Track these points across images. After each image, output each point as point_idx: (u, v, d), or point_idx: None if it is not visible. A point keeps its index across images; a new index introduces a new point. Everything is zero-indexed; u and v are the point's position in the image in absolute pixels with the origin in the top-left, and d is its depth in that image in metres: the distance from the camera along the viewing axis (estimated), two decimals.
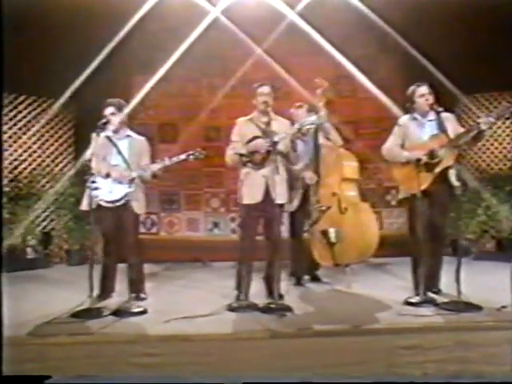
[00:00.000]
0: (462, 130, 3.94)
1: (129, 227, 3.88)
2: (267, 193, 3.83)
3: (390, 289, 4.25)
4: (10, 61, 5.78)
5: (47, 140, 6.47)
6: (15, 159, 6.22)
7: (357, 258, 4.05)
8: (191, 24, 6.42)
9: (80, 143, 6.14)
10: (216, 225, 6.97)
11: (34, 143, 6.36)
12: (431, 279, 4.01)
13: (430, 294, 3.88)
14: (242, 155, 3.80)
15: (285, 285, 4.43)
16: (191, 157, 3.86)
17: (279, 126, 3.92)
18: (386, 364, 3.02)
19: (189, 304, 3.80)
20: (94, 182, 3.71)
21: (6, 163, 6.09)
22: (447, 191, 3.92)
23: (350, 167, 4.16)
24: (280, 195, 3.87)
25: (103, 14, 6.05)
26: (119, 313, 3.47)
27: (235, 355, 2.97)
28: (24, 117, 6.33)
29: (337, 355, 3.02)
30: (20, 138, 6.28)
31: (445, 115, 3.97)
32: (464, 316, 3.31)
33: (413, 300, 3.68)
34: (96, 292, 3.90)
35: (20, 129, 6.29)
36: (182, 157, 3.87)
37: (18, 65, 5.85)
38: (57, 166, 6.49)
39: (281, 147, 3.85)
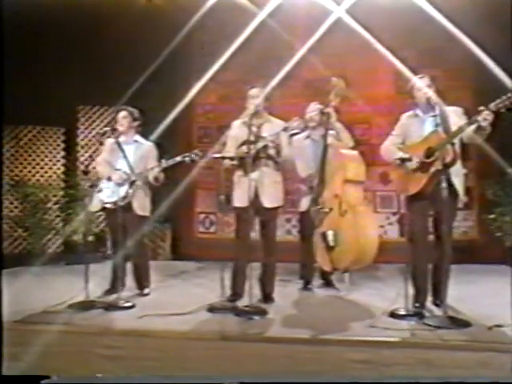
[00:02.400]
0: None
1: (131, 228, 4.16)
2: (257, 196, 3.85)
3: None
4: (82, 76, 6.56)
5: None
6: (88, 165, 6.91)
7: (352, 264, 3.84)
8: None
9: None
10: None
11: None
12: (433, 290, 3.70)
13: (432, 306, 3.61)
14: (224, 158, 3.86)
15: (293, 288, 4.44)
16: (187, 159, 4.00)
17: (273, 128, 3.91)
18: (337, 377, 2.89)
19: (182, 302, 3.93)
20: (97, 185, 4.08)
21: (82, 168, 6.82)
22: (451, 193, 3.59)
23: (354, 169, 3.95)
24: (269, 199, 3.88)
25: (161, 24, 6.48)
26: (109, 307, 3.75)
27: (185, 354, 3.07)
28: (98, 125, 7.03)
29: (287, 363, 2.96)
30: (94, 144, 6.97)
31: (451, 109, 3.66)
32: (437, 333, 3.02)
33: (398, 311, 3.44)
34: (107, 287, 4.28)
35: (94, 136, 6.99)
36: (178, 159, 4.04)
37: (90, 79, 6.59)
38: None
39: (270, 151, 3.85)
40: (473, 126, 3.40)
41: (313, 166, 4.27)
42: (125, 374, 3.09)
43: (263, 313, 3.53)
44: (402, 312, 3.41)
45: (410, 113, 3.83)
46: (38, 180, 6.70)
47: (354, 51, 6.62)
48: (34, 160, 6.83)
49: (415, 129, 3.73)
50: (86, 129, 6.98)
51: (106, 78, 6.51)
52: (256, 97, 3.92)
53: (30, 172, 6.78)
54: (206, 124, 7.30)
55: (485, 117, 3.27)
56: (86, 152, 6.90)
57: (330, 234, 3.90)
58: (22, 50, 6.37)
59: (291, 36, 6.54)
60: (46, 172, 6.81)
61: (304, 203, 4.39)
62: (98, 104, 7.02)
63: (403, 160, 3.53)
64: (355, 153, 4.06)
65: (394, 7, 6.41)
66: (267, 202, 3.87)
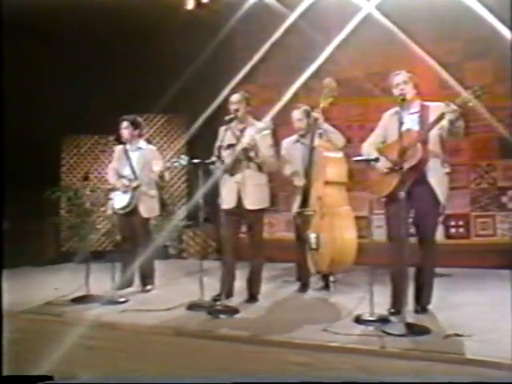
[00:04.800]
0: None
1: (138, 229, 4.51)
2: (240, 199, 3.96)
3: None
4: (132, 86, 7.09)
5: (164, 150, 7.54)
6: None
7: (330, 266, 3.79)
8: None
9: (191, 151, 7.04)
10: None
11: None
12: (415, 295, 3.55)
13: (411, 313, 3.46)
14: (205, 163, 4.00)
15: (290, 289, 4.47)
16: (175, 164, 4.23)
17: (254, 132, 3.99)
18: (275, 377, 2.93)
19: (175, 299, 4.12)
20: (110, 192, 4.47)
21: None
22: (428, 193, 3.42)
23: (334, 170, 3.90)
24: (251, 201, 3.97)
25: (204, 32, 6.78)
26: (104, 301, 4.08)
27: (143, 346, 3.30)
28: (147, 131, 7.53)
29: (231, 361, 3.04)
30: None
31: (434, 105, 3.50)
32: (383, 340, 2.93)
33: (363, 316, 3.35)
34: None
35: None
36: (167, 164, 4.30)
37: (140, 88, 7.11)
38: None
39: (251, 154, 3.94)
40: (444, 122, 3.26)
41: (302, 170, 4.26)
42: (94, 362, 3.36)
43: (233, 312, 3.63)
44: (367, 317, 3.31)
45: (392, 111, 3.70)
46: (94, 184, 7.33)
47: (395, 47, 6.40)
48: (92, 166, 7.50)
49: (394, 127, 3.60)
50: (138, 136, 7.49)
51: (153, 86, 6.96)
52: (236, 103, 4.02)
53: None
54: None
55: (451, 112, 3.14)
56: None
57: (311, 236, 3.91)
58: (80, 66, 7.07)
59: (329, 36, 6.49)
60: (102, 177, 7.44)
61: (294, 207, 4.40)
62: (147, 112, 7.51)
63: (368, 161, 3.43)
64: (338, 154, 3.99)
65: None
66: (249, 203, 3.96)
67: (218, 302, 3.73)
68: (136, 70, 7.22)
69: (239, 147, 3.90)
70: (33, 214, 6.61)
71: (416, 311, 3.50)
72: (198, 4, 6.98)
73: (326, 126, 4.22)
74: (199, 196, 3.93)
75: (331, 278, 4.19)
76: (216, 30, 6.72)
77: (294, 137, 4.57)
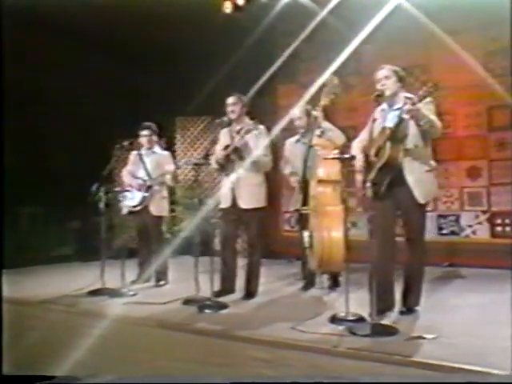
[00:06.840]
0: None
1: (150, 227, 4.79)
2: (235, 198, 4.07)
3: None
4: (180, 89, 7.41)
5: (208, 150, 7.78)
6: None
7: (319, 266, 3.78)
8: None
9: None
10: (353, 224, 6.89)
11: (199, 154, 7.78)
12: (402, 296, 3.46)
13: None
14: (197, 164, 4.15)
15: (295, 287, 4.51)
16: (189, 163, 4.43)
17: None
18: (237, 372, 3.01)
19: (180, 293, 4.26)
20: (122, 192, 4.78)
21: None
22: (407, 193, 3.32)
23: (325, 168, 3.87)
24: (245, 200, 4.05)
25: (244, 34, 6.92)
26: (115, 294, 4.36)
27: (129, 337, 3.53)
28: (191, 133, 7.85)
29: (200, 353, 3.17)
30: (188, 150, 7.81)
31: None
32: (344, 340, 2.91)
33: (338, 316, 3.31)
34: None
35: (189, 143, 7.83)
36: (181, 163, 4.51)
37: (185, 91, 7.42)
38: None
39: (244, 154, 4.03)
40: (404, 118, 3.18)
41: (301, 169, 4.27)
42: (86, 347, 3.62)
43: (221, 307, 3.75)
44: (342, 317, 3.28)
45: (380, 107, 3.62)
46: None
47: (436, 38, 6.14)
48: None
49: (379, 124, 3.52)
50: (181, 137, 7.84)
51: (197, 89, 7.21)
52: (231, 105, 4.12)
53: None
54: (288, 126, 7.49)
55: (408, 108, 3.06)
56: (182, 158, 7.74)
57: (305, 235, 3.93)
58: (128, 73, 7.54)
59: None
60: None
61: (295, 202, 4.41)
62: (191, 114, 7.81)
63: (343, 159, 3.39)
64: (331, 152, 3.94)
65: None
66: (243, 203, 4.05)
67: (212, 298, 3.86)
68: (177, 74, 7.54)
69: (231, 147, 4.00)
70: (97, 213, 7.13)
71: (401, 312, 3.40)
72: (236, 7, 7.11)
73: (326, 124, 4.19)
74: None
75: (325, 277, 4.15)
76: (254, 32, 6.83)
77: (296, 136, 4.59)
